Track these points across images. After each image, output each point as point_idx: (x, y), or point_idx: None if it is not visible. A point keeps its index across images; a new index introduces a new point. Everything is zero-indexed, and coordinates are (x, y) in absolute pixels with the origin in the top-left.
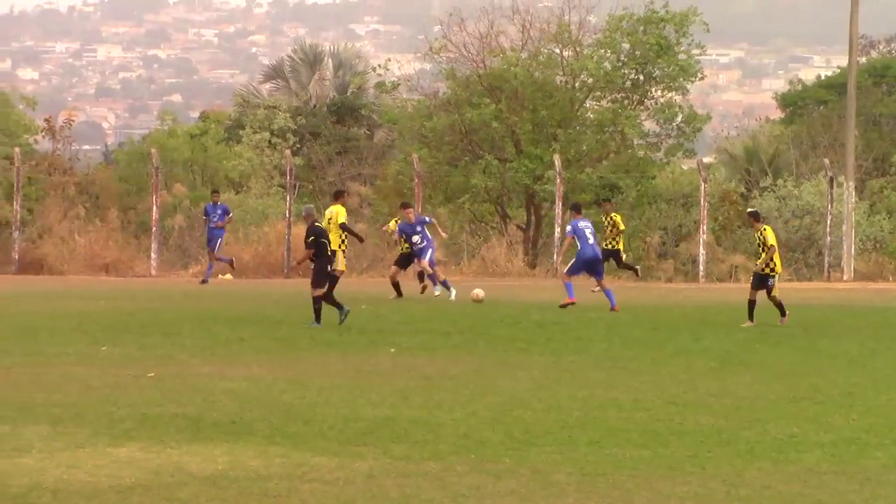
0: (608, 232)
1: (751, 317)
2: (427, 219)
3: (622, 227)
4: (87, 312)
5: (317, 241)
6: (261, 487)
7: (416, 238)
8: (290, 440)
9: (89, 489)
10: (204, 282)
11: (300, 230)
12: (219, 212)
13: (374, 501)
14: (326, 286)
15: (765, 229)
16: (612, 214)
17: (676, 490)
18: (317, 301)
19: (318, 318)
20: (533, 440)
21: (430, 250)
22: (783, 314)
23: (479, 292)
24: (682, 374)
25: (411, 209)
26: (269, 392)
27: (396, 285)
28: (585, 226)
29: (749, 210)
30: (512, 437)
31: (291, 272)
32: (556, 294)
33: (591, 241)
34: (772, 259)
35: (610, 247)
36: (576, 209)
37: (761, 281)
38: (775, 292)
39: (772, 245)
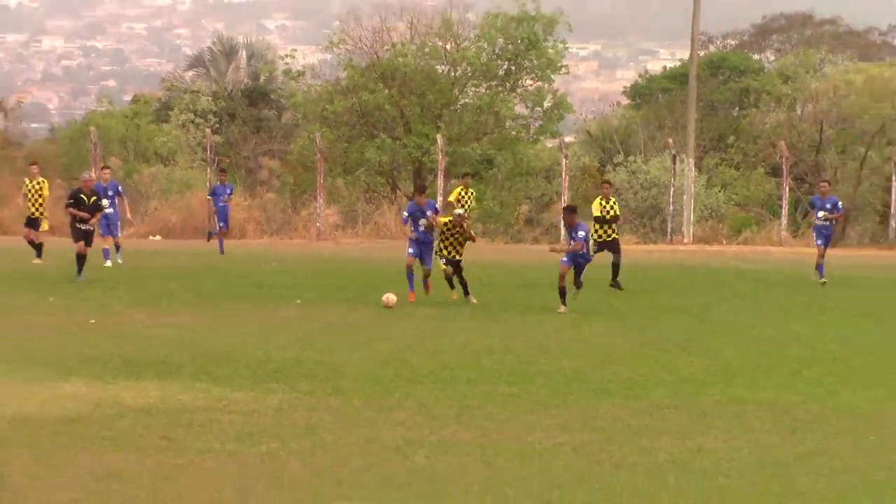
0: None
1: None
2: (119, 188)
3: None
4: (35, 268)
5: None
6: (187, 418)
7: (105, 202)
8: (211, 378)
9: (40, 418)
10: None
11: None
12: None
13: (284, 430)
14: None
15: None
16: None
17: (542, 422)
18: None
19: (80, 272)
20: (419, 379)
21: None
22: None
23: (390, 297)
24: (547, 324)
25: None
26: (194, 337)
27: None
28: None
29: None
30: (401, 375)
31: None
32: None
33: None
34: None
35: None
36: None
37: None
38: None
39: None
